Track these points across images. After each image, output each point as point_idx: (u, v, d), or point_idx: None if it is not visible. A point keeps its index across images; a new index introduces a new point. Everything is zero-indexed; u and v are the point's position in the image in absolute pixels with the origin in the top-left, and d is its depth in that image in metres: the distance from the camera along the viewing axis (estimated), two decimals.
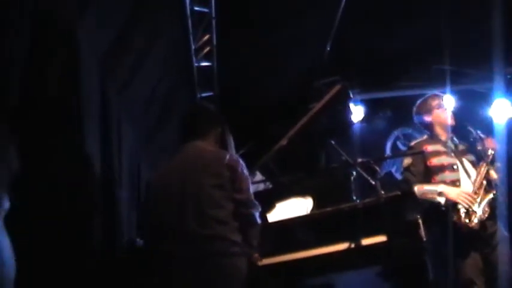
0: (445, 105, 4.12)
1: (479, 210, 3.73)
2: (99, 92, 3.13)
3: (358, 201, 3.17)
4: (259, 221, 2.77)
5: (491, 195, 3.78)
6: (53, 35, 2.51)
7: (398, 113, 6.03)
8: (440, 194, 3.77)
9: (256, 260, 2.81)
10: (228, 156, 2.80)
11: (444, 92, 4.48)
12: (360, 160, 3.34)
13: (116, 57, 3.38)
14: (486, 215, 3.73)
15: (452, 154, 3.95)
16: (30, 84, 2.30)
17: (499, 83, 5.28)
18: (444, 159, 3.93)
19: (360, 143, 5.75)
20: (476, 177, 3.86)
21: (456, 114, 4.24)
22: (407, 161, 4.01)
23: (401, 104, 4.47)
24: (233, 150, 3.05)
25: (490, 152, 3.91)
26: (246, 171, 2.79)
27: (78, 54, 2.77)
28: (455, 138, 4.03)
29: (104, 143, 3.13)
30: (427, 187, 3.82)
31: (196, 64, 4.91)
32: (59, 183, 2.47)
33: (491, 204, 3.77)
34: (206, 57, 4.91)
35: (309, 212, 3.27)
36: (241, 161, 2.81)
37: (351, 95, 3.79)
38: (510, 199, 4.13)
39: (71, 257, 2.50)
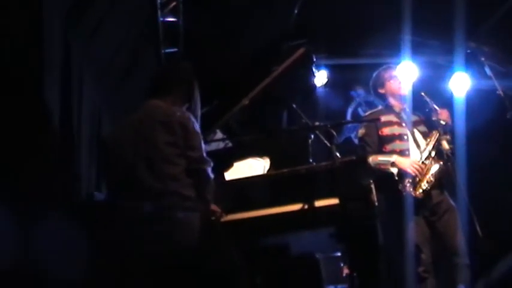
0: (399, 76, 4.19)
1: (425, 179, 3.86)
2: (61, 44, 3.08)
3: (314, 163, 3.25)
4: (211, 176, 2.81)
5: (437, 166, 3.90)
6: None
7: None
8: (393, 164, 3.88)
9: (218, 215, 2.88)
10: (178, 113, 2.80)
11: (403, 62, 4.56)
12: (318, 124, 3.40)
13: (81, 10, 3.31)
14: (430, 185, 3.85)
15: (404, 124, 4.05)
16: None
17: (459, 56, 5.38)
18: (396, 129, 4.02)
19: (324, 108, 5.81)
20: (425, 147, 3.97)
21: (416, 85, 4.32)
22: (361, 131, 4.09)
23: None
24: (199, 109, 3.04)
25: (442, 123, 4.02)
26: (197, 128, 2.80)
27: (42, 5, 2.71)
28: (407, 109, 4.13)
29: (63, 96, 3.10)
30: (381, 158, 3.91)
31: (161, 19, 4.84)
32: (16, 136, 2.45)
33: (438, 174, 3.89)
34: (172, 13, 4.83)
35: (265, 172, 3.32)
36: (192, 118, 2.81)
37: (314, 59, 3.82)
38: (467, 170, 4.28)
39: (30, 210, 2.50)
